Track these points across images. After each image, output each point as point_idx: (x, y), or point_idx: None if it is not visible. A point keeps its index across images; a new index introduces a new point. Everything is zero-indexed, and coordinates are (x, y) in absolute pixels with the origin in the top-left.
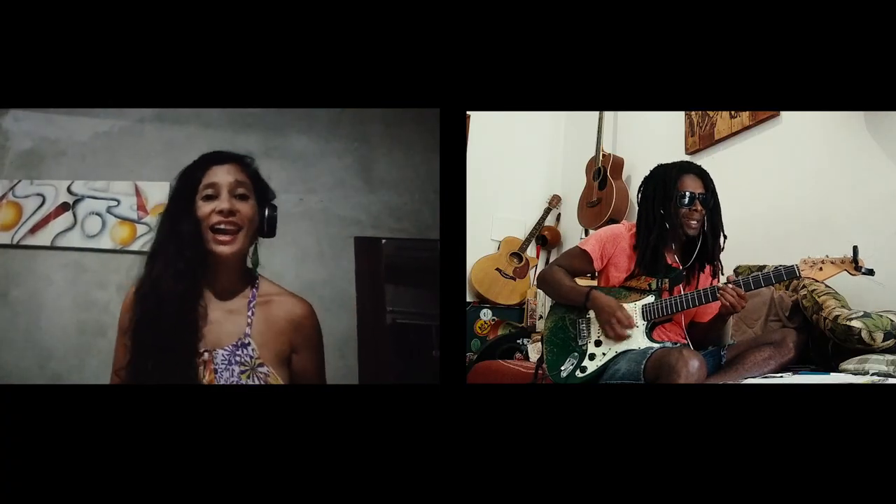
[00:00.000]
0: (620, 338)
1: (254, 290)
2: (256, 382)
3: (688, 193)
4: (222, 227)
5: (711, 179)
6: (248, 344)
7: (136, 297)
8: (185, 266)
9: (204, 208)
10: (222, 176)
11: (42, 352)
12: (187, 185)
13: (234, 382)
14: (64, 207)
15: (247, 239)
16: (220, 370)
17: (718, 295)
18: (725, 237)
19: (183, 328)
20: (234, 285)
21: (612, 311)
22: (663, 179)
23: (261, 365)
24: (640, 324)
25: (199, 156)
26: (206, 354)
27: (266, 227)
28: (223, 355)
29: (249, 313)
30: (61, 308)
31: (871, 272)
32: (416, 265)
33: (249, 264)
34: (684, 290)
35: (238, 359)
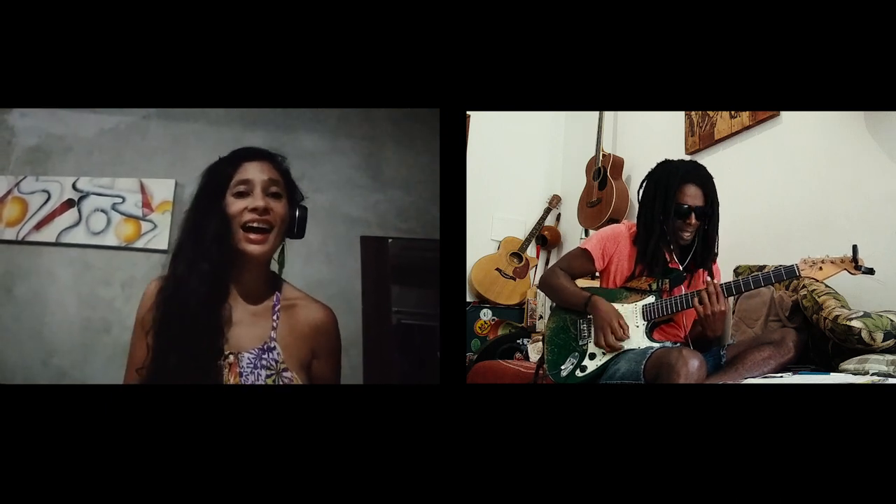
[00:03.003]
0: (611, 347)
1: (277, 293)
2: None
3: (684, 206)
4: (255, 225)
5: (714, 187)
6: (274, 348)
7: (159, 296)
8: (210, 266)
9: (236, 205)
10: (256, 173)
11: (46, 348)
12: (217, 181)
13: None
14: (69, 204)
15: (277, 239)
16: (245, 373)
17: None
18: (716, 253)
19: (208, 330)
20: (259, 287)
21: (608, 320)
22: (665, 186)
23: (285, 370)
24: (641, 324)
25: (229, 152)
26: (231, 357)
27: (296, 227)
28: (248, 359)
29: (275, 317)
30: (66, 304)
31: (870, 271)
32: (422, 265)
33: (275, 266)
34: (684, 290)
35: (264, 363)
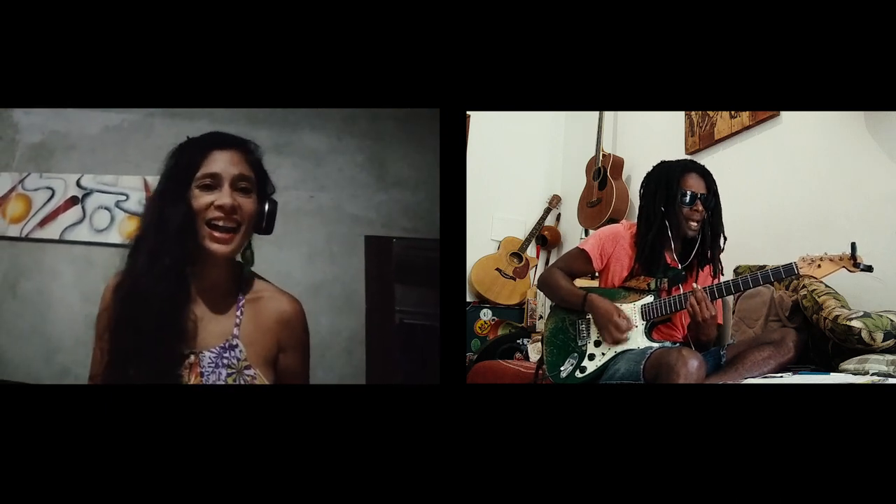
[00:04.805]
0: (616, 342)
1: (243, 287)
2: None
3: (689, 193)
4: (221, 223)
5: (714, 180)
6: (236, 346)
7: (115, 294)
8: (171, 262)
9: (201, 199)
10: (224, 166)
11: (49, 345)
12: (183, 169)
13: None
14: (73, 201)
15: (244, 237)
16: (206, 373)
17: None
18: (725, 239)
19: (168, 331)
20: (223, 283)
21: (608, 317)
22: (667, 177)
23: (248, 367)
24: (640, 324)
25: (199, 134)
26: (192, 357)
27: (265, 222)
28: (210, 358)
29: (238, 313)
30: (69, 302)
31: (869, 268)
32: (425, 265)
33: (240, 258)
34: (683, 290)
35: (225, 361)
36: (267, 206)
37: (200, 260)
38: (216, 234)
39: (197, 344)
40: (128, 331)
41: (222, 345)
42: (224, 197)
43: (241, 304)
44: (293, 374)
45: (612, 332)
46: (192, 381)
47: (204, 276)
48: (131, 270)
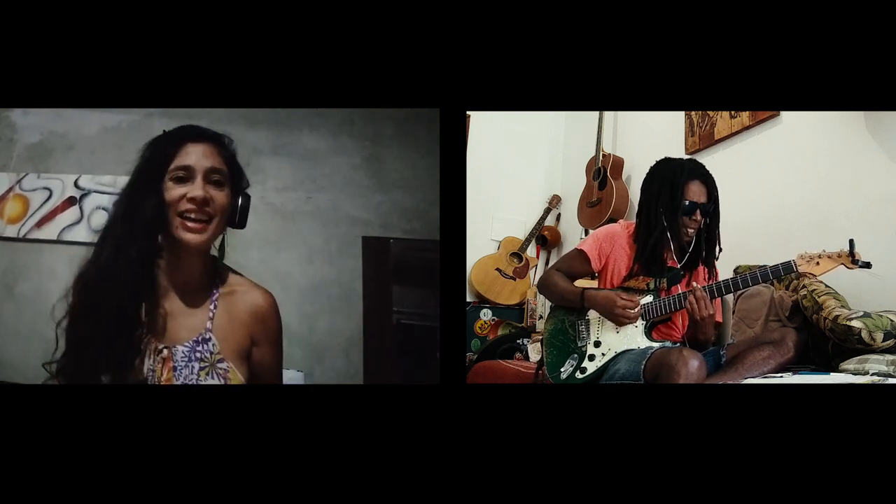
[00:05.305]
0: (634, 319)
1: (217, 281)
2: (216, 379)
3: (688, 202)
4: (193, 215)
5: (716, 185)
6: (210, 339)
7: (77, 283)
8: (137, 254)
9: (174, 191)
10: (198, 158)
11: (48, 346)
12: (156, 161)
13: (194, 380)
14: (70, 202)
15: (217, 229)
16: (179, 367)
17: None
18: (721, 249)
19: (129, 323)
20: (197, 277)
21: (612, 302)
22: (671, 182)
23: (220, 360)
24: (640, 323)
25: (174, 126)
26: (164, 351)
27: (238, 216)
28: (183, 352)
29: (212, 306)
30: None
31: (867, 265)
32: (422, 265)
33: (214, 252)
34: (682, 289)
35: (198, 355)
36: (240, 201)
37: (174, 252)
38: (188, 223)
39: (168, 338)
40: (85, 320)
41: (195, 338)
42: (196, 189)
43: (214, 297)
44: (266, 367)
45: (621, 316)
46: (165, 374)
47: (178, 268)
48: (96, 260)
